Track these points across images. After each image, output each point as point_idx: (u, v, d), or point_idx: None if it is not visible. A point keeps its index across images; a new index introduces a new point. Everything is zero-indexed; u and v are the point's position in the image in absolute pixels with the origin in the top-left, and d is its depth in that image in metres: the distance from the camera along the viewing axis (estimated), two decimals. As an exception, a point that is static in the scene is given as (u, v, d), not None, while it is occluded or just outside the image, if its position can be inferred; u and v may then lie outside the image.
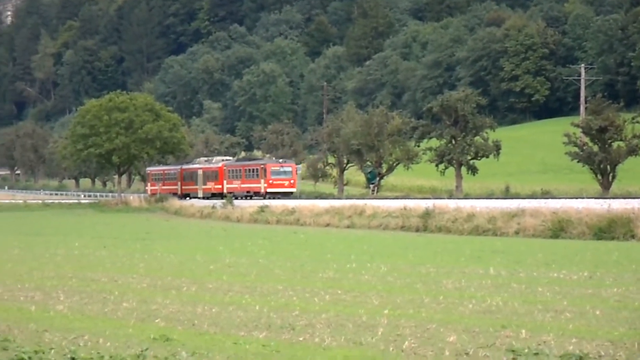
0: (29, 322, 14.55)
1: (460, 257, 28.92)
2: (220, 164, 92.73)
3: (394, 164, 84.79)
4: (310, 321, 14.39)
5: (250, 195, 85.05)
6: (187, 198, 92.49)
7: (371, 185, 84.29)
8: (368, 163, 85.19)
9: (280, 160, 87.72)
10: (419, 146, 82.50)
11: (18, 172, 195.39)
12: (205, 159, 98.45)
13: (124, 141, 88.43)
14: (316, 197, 76.36)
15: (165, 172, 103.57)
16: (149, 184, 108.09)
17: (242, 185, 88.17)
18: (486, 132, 79.05)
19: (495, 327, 13.58)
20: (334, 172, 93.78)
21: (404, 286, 20.24)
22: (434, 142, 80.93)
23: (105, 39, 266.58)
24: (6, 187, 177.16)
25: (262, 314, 15.29)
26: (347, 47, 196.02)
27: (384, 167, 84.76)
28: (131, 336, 12.98)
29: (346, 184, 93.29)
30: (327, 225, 52.13)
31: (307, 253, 31.90)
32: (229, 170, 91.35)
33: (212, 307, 16.27)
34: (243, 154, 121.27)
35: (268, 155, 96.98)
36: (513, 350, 11.55)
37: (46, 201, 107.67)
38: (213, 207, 68.26)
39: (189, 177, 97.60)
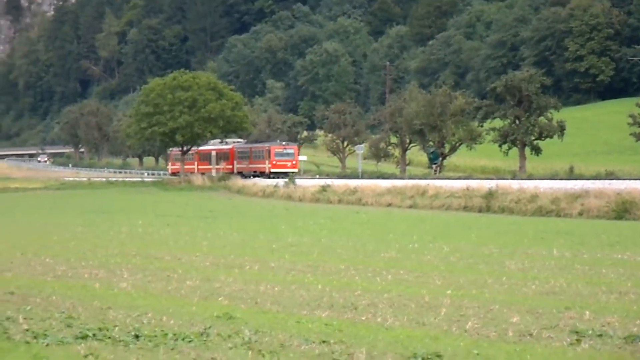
0: (93, 300, 14.70)
1: (523, 238, 28.67)
2: (230, 146, 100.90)
3: (457, 144, 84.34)
4: (373, 301, 14.36)
5: (257, 174, 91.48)
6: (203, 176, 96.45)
7: (434, 166, 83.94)
8: (431, 143, 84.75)
9: (284, 143, 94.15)
10: (482, 126, 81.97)
11: (82, 150, 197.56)
12: (219, 141, 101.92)
13: (187, 120, 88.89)
14: (378, 177, 76.38)
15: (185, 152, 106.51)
16: (170, 164, 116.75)
17: (250, 166, 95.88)
18: (550, 113, 78.20)
19: (558, 308, 13.44)
20: (397, 152, 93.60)
21: (466, 267, 20.15)
22: (498, 122, 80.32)
23: (169, 17, 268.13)
24: (70, 165, 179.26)
25: (325, 293, 15.29)
26: (410, 27, 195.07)
27: (447, 147, 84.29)
28: (194, 314, 13.05)
29: (408, 164, 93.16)
30: (389, 205, 51.98)
31: (369, 233, 31.84)
32: (238, 152, 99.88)
33: (275, 285, 16.31)
34: (305, 133, 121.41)
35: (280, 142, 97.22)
36: (577, 332, 11.45)
37: (110, 179, 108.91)
38: (275, 186, 68.42)
39: (205, 157, 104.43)
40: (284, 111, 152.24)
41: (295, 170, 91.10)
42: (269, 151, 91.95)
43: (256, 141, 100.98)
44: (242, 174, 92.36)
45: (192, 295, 15.23)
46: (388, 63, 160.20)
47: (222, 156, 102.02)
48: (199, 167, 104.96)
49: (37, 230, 32.92)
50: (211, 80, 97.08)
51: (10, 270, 19.56)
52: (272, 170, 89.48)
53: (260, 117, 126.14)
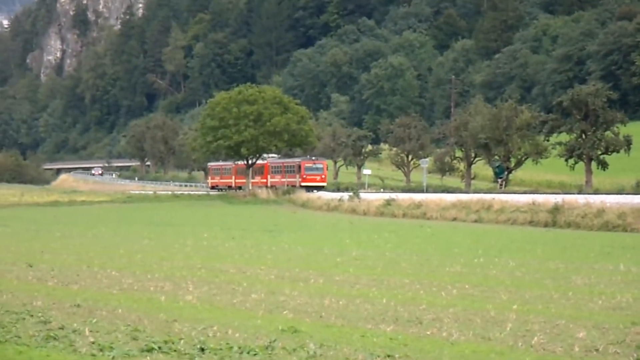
0: (158, 312, 14.82)
1: (589, 253, 28.42)
2: (265, 161, 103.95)
3: (523, 159, 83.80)
4: (438, 315, 14.32)
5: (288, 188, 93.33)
6: (240, 190, 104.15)
7: (499, 180, 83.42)
8: (496, 157, 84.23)
9: (314, 158, 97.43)
10: (548, 140, 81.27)
11: (148, 163, 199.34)
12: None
13: (253, 133, 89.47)
14: (443, 191, 76.10)
15: (222, 167, 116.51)
16: (209, 178, 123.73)
17: (282, 180, 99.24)
18: (617, 127, 77.23)
19: (625, 324, 13.32)
20: (462, 166, 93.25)
21: (532, 282, 20.00)
22: (564, 137, 79.54)
23: (235, 32, 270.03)
24: (136, 178, 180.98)
25: (389, 307, 15.27)
26: (476, 40, 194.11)
27: (512, 161, 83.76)
28: (260, 327, 13.10)
29: (473, 178, 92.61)
30: (454, 219, 51.71)
31: (433, 247, 31.71)
32: (272, 167, 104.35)
33: (339, 299, 16.31)
34: (370, 147, 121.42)
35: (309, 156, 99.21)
36: (643, 347, 11.32)
37: (175, 192, 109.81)
38: (340, 199, 68.43)
39: (242, 172, 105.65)
40: (349, 125, 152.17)
41: (324, 184, 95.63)
42: (300, 166, 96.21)
43: (288, 156, 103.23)
44: (275, 187, 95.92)
45: (257, 308, 15.30)
46: (453, 77, 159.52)
47: (258, 171, 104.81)
48: (236, 180, 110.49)
49: (103, 243, 33.28)
50: (276, 94, 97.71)
51: (76, 282, 19.80)
52: (302, 184, 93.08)
53: (325, 130, 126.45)
